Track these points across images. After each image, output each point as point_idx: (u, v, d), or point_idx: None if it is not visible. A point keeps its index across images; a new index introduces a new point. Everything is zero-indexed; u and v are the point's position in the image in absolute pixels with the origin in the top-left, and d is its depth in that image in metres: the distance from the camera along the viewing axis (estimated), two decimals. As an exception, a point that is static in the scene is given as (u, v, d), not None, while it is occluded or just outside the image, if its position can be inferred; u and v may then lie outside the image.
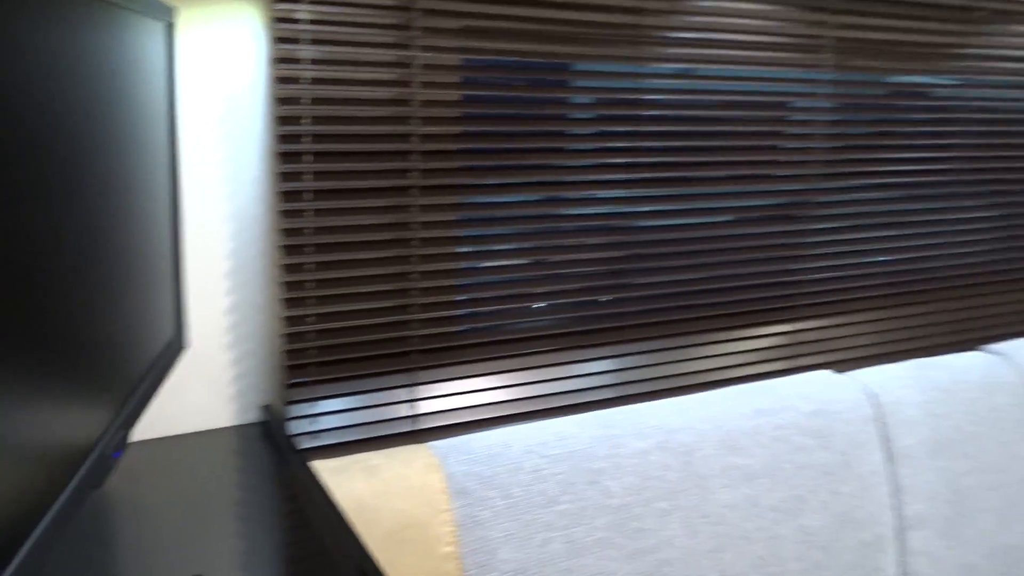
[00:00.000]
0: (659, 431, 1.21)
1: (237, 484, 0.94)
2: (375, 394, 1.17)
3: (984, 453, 1.46)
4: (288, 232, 1.08)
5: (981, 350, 1.63)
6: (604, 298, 1.32)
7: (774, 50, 1.37)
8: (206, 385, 1.10)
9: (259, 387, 1.13)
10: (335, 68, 1.07)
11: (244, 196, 1.09)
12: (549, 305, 1.28)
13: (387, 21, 1.09)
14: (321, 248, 1.10)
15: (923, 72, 1.54)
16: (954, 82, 1.59)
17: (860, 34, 1.44)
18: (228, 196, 1.08)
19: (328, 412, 1.14)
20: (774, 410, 1.30)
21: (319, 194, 1.09)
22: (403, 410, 1.19)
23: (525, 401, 1.28)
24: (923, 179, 1.59)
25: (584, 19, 1.21)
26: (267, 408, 1.13)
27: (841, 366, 1.56)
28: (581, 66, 1.23)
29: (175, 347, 0.93)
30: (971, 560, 1.43)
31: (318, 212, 1.09)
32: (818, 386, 1.38)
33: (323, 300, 1.12)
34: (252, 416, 1.14)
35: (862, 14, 1.43)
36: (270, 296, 1.12)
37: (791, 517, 1.26)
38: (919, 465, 1.40)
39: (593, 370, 1.33)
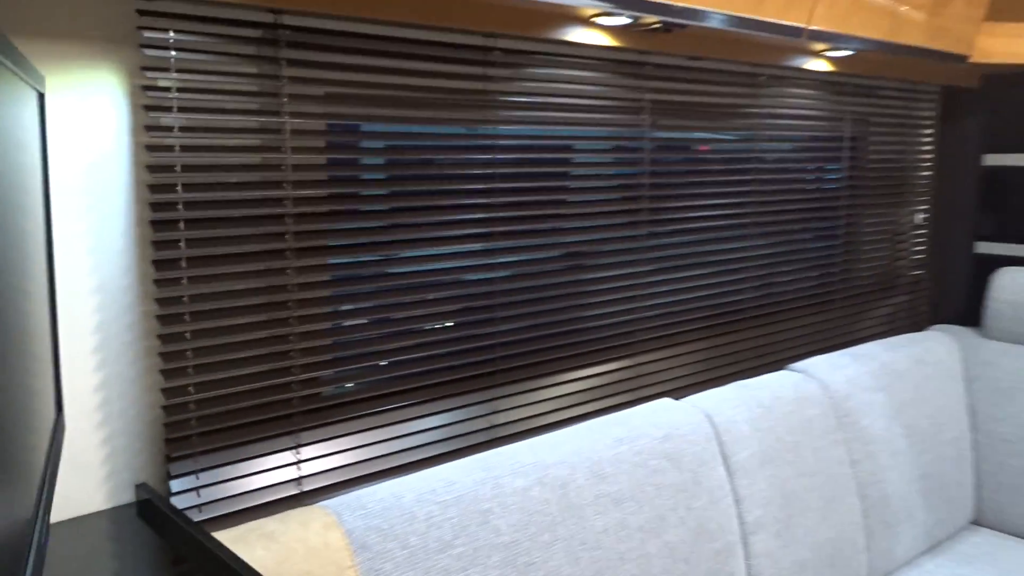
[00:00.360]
0: (536, 467, 1.28)
1: (119, 572, 0.90)
2: (260, 459, 1.15)
3: (802, 459, 1.66)
4: (163, 302, 1.06)
5: (788, 369, 1.85)
6: (460, 347, 1.39)
7: (603, 112, 1.52)
8: (75, 468, 1.04)
9: (134, 464, 1.09)
10: (205, 135, 1.07)
11: (110, 267, 1.05)
12: (412, 358, 1.32)
13: (255, 88, 1.11)
14: (198, 315, 1.09)
15: (720, 129, 1.75)
16: (745, 136, 1.82)
17: (670, 97, 1.62)
18: (92, 268, 1.04)
19: (214, 483, 1.11)
20: (632, 438, 1.42)
21: (193, 261, 1.08)
22: (290, 472, 1.18)
23: (405, 452, 1.31)
24: (727, 222, 1.80)
25: (437, 86, 1.28)
26: (144, 486, 1.08)
27: (676, 393, 1.72)
28: (431, 128, 1.30)
29: (60, 429, 0.89)
30: (802, 555, 1.61)
31: (192, 279, 1.08)
32: (664, 413, 1.51)
33: (202, 368, 1.10)
34: (128, 496, 1.08)
35: (671, 80, 1.62)
36: (142, 369, 1.09)
37: (656, 535, 1.37)
38: (753, 475, 1.56)
39: (466, 416, 1.39)
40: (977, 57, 2.01)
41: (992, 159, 2.31)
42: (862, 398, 1.85)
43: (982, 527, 2.14)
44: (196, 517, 1.09)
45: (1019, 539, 2.06)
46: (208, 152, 1.07)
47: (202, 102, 1.06)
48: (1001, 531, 2.11)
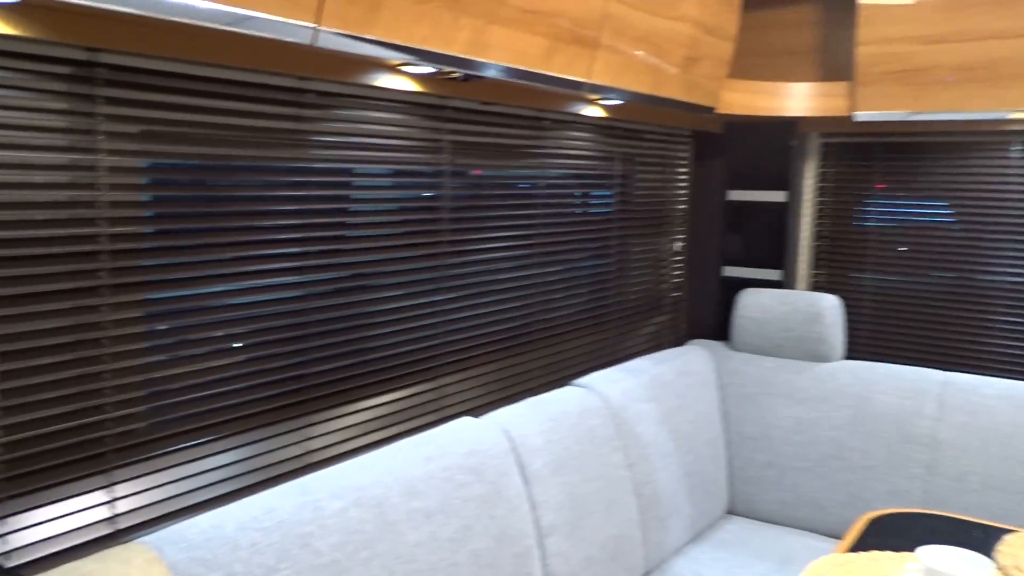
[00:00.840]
0: (352, 489, 1.35)
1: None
2: (73, 499, 1.13)
3: (587, 466, 1.84)
4: (-33, 343, 1.02)
5: (572, 384, 2.04)
6: (275, 377, 1.43)
7: (408, 151, 1.62)
8: None
9: (-69, 516, 1.03)
10: (11, 172, 1.05)
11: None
12: (227, 390, 1.35)
13: (66, 125, 1.10)
14: (4, 356, 1.06)
15: (510, 167, 1.92)
16: (533, 173, 2.00)
17: (467, 138, 1.76)
18: None
19: (23, 527, 1.08)
20: (439, 455, 1.52)
21: None
22: (103, 512, 1.16)
23: (223, 483, 1.33)
24: (517, 252, 1.97)
25: (251, 125, 1.33)
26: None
27: (475, 411, 1.84)
28: (247, 164, 1.34)
29: None
30: (590, 553, 1.78)
31: (-1, 319, 1.05)
32: (466, 430, 1.63)
33: (9, 411, 1.06)
34: (-75, 549, 1.03)
35: (468, 122, 1.76)
36: (-60, 414, 1.04)
37: (463, 544, 1.48)
38: (546, 483, 1.72)
39: (282, 443, 1.43)
40: (721, 109, 2.34)
41: (734, 194, 2.67)
42: (636, 408, 2.08)
43: (735, 515, 2.45)
44: (6, 563, 1.05)
45: (766, 523, 2.39)
46: (16, 189, 1.05)
47: (8, 138, 1.04)
48: (751, 518, 2.43)
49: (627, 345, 2.47)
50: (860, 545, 1.62)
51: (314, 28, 1.13)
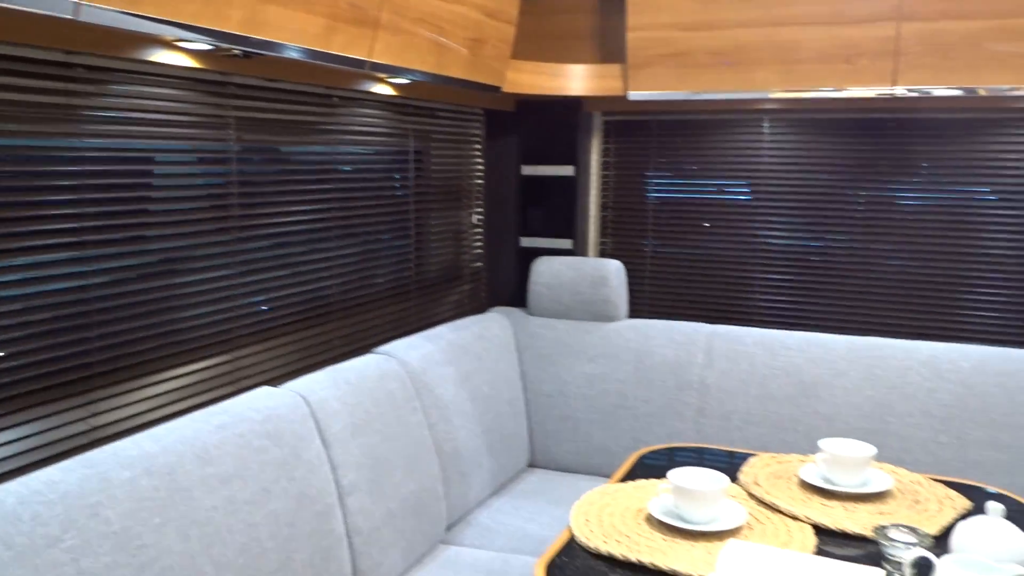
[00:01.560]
0: (141, 459, 1.37)
1: None
2: None
3: (388, 427, 1.94)
4: None
5: (373, 352, 2.13)
6: (54, 354, 1.43)
7: (189, 127, 1.63)
8: None
9: None
10: None
11: None
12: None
13: None
14: None
15: (302, 143, 1.96)
16: (325, 149, 2.05)
17: (254, 114, 1.79)
18: None
19: None
20: (234, 423, 1.56)
21: None
22: None
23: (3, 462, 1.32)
24: (313, 225, 2.02)
25: (16, 99, 1.31)
26: None
27: (275, 381, 1.89)
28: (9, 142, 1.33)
29: None
30: (391, 507, 1.88)
31: None
32: (263, 399, 1.68)
33: None
34: None
35: (253, 99, 1.79)
36: None
37: (261, 506, 1.54)
38: (346, 445, 1.80)
39: (64, 420, 1.43)
40: (508, 88, 2.48)
41: (528, 169, 2.84)
42: (435, 371, 2.19)
43: (536, 467, 2.64)
44: None
45: (564, 472, 2.59)
46: None
47: None
48: (550, 469, 2.62)
49: (430, 314, 2.58)
50: (629, 477, 1.82)
51: (75, 1, 1.15)
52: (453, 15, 2.04)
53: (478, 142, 2.79)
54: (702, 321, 2.64)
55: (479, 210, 2.85)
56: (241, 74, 1.71)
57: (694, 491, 1.47)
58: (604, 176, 2.82)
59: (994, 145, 2.38)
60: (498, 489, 2.43)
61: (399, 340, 2.22)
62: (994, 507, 1.35)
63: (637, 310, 2.79)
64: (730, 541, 1.42)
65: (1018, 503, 1.68)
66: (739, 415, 2.40)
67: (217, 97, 1.69)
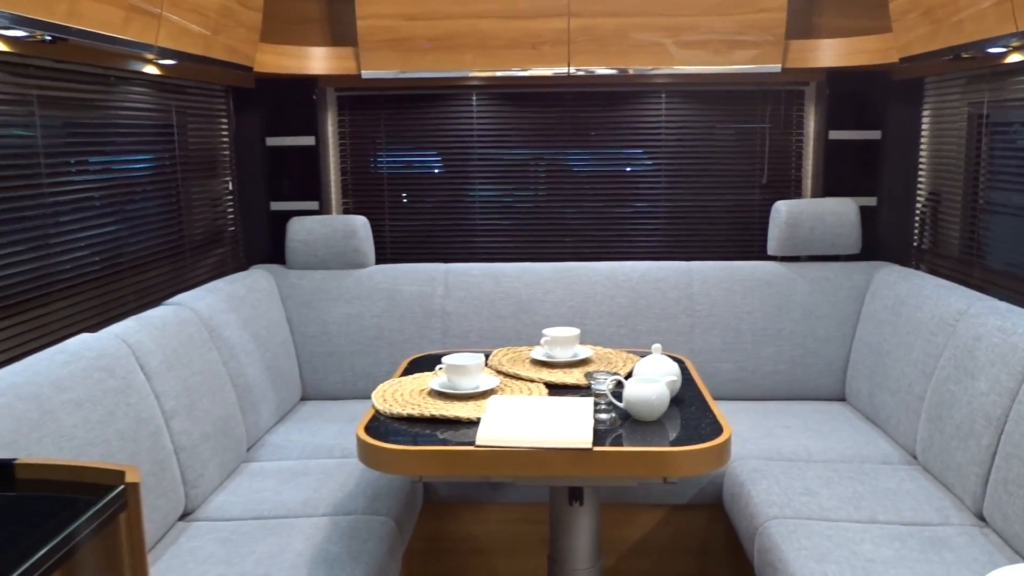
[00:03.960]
0: (11, 387, 1.61)
1: None
2: None
3: (193, 363, 2.24)
4: None
5: (164, 304, 2.40)
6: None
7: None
8: None
9: None
10: None
11: None
12: None
13: None
14: None
15: (89, 119, 2.18)
16: (103, 123, 2.27)
17: (52, 92, 2.00)
18: None
19: None
20: (75, 360, 1.81)
21: None
22: None
23: None
24: (99, 193, 2.25)
25: None
26: None
27: (90, 329, 2.12)
28: None
29: None
30: (206, 429, 2.21)
31: None
32: (91, 341, 1.93)
33: None
34: None
35: (53, 79, 1.99)
36: None
37: (109, 425, 1.82)
38: (164, 377, 2.09)
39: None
40: (259, 68, 2.82)
41: (272, 140, 3.18)
42: (220, 317, 2.51)
43: (308, 400, 3.03)
44: None
45: (335, 400, 3.00)
46: None
47: None
48: (322, 399, 3.02)
49: (199, 272, 2.86)
50: (404, 374, 2.31)
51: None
52: (215, 4, 2.35)
53: (224, 117, 3.07)
54: (438, 262, 3.18)
55: (230, 179, 3.14)
56: (41, 56, 1.92)
57: (463, 366, 2.01)
58: (341, 144, 3.25)
59: (642, 111, 3.17)
60: (282, 417, 2.80)
61: (185, 293, 2.50)
62: (656, 347, 2.05)
63: (382, 257, 3.26)
64: (492, 397, 1.98)
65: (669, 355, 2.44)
66: (475, 332, 2.98)
67: (19, 77, 1.89)
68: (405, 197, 3.28)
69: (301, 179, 3.21)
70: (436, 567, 2.57)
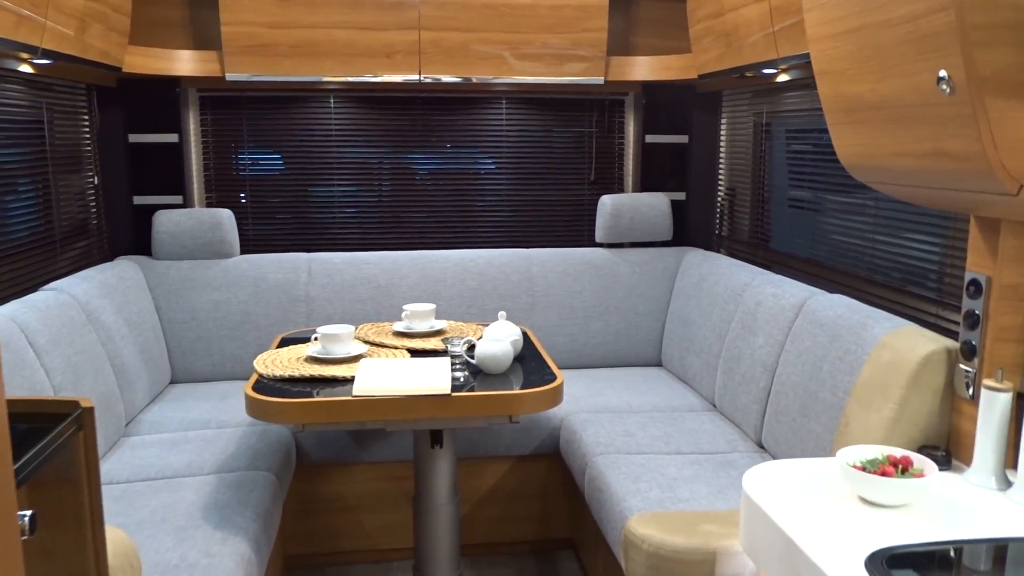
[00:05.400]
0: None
1: None
2: None
3: (75, 343, 2.40)
4: None
5: (42, 290, 2.53)
6: None
7: None
8: None
9: None
10: None
11: None
12: None
13: None
14: None
15: (-36, 113, 2.30)
16: (-19, 119, 2.39)
17: (-68, 87, 2.12)
18: None
19: None
20: (-26, 335, 1.97)
21: None
22: None
23: None
24: (-20, 184, 2.36)
25: None
26: None
27: (-29, 315, 2.25)
28: None
29: None
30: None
31: None
32: (-18, 320, 2.08)
33: None
34: None
35: (-69, 74, 2.12)
36: None
37: (25, 390, 1.98)
38: (51, 354, 2.25)
39: None
40: (126, 68, 2.98)
41: (135, 137, 3.32)
42: (96, 303, 2.67)
43: (178, 383, 3.19)
44: None
45: (206, 382, 3.18)
46: None
47: None
48: (193, 382, 3.19)
49: (65, 263, 2.97)
50: (280, 347, 2.57)
51: None
52: (89, 9, 2.52)
53: (87, 114, 3.19)
54: (299, 251, 3.43)
55: (92, 173, 3.25)
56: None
57: (336, 334, 2.30)
58: (204, 141, 3.44)
59: (485, 115, 3.56)
60: (154, 398, 2.97)
61: (60, 280, 2.64)
62: (501, 315, 2.43)
63: (246, 248, 3.47)
64: (363, 360, 2.28)
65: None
66: (338, 315, 3.25)
67: (-92, 73, 2.02)
68: (244, 197, 3.50)
69: (165, 175, 3.36)
70: (310, 525, 2.83)
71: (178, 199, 3.39)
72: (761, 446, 2.51)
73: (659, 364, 3.41)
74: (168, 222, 3.22)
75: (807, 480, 1.68)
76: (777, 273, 2.83)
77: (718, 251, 3.47)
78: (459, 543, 2.42)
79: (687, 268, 3.31)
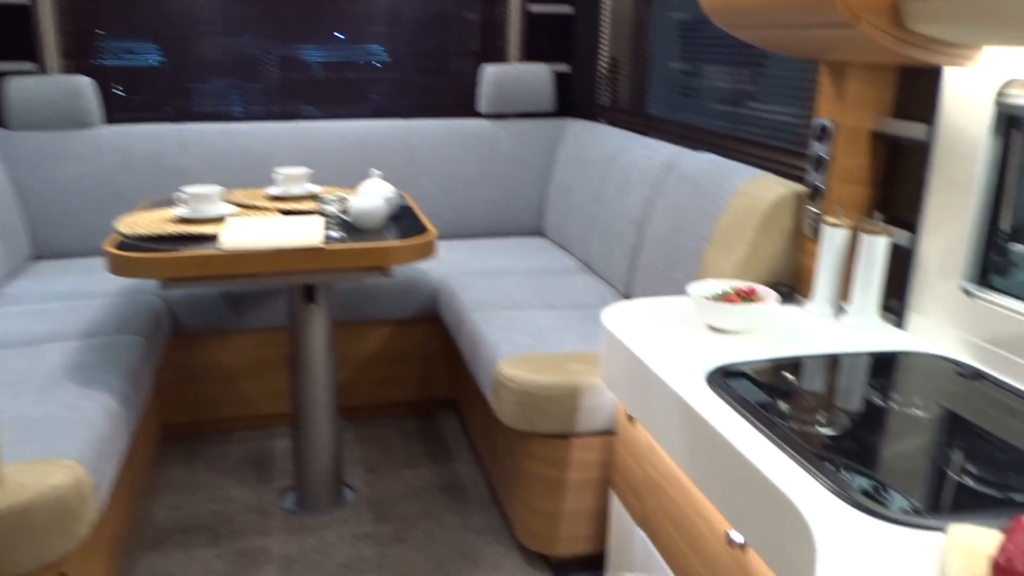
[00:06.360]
0: None
1: None
2: None
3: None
4: None
5: None
6: None
7: None
8: None
9: None
10: None
11: None
12: None
13: None
14: None
15: None
16: None
17: None
18: None
19: None
20: None
21: None
22: None
23: None
24: None
25: None
26: None
27: None
28: None
29: None
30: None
31: None
32: None
33: None
34: None
35: None
36: None
37: None
38: None
39: None
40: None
41: (-22, -4, 3.05)
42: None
43: (42, 259, 3.06)
44: None
45: (73, 258, 3.05)
46: None
47: None
48: (56, 258, 3.07)
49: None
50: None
51: None
52: None
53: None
54: (167, 123, 3.28)
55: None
56: None
57: (204, 194, 2.24)
58: (62, 4, 3.19)
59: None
60: (12, 273, 2.84)
61: None
62: (374, 172, 2.41)
63: (111, 118, 3.29)
64: (228, 219, 2.23)
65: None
66: (223, 185, 3.15)
67: None
68: (118, 89, 3.31)
69: (14, 39, 3.13)
70: (188, 394, 2.81)
71: (29, 65, 3.16)
72: (628, 297, 2.62)
73: (541, 234, 3.47)
74: (21, 88, 3.01)
75: (661, 315, 1.76)
76: (653, 138, 2.88)
77: (599, 121, 3.51)
78: (337, 403, 2.45)
79: (568, 138, 3.33)
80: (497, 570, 2.18)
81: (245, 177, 3.17)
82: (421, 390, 3.00)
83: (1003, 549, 0.79)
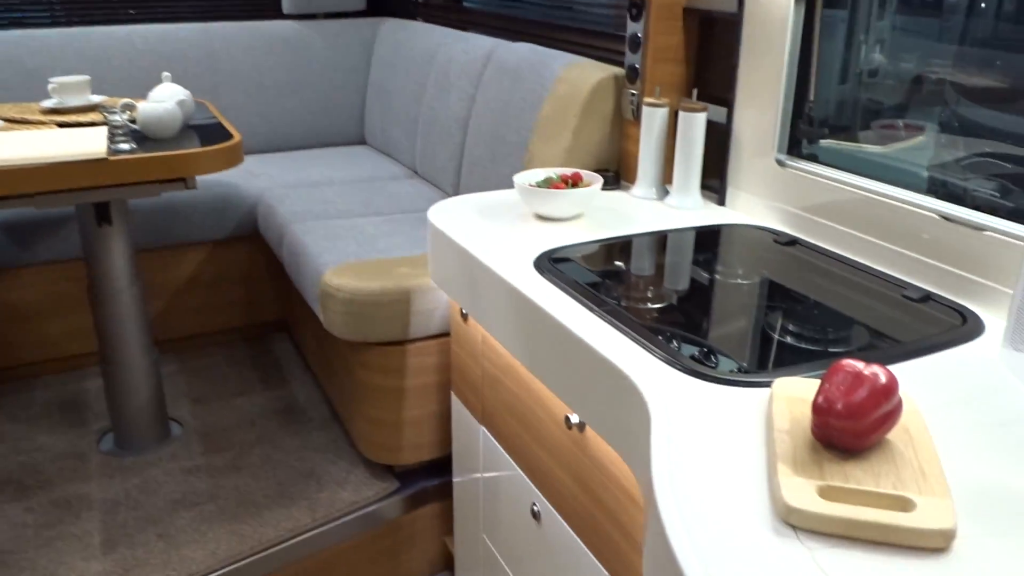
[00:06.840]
0: None
1: None
2: None
3: None
4: None
5: None
6: None
7: None
8: None
9: None
10: None
11: None
12: None
13: None
14: None
15: None
16: None
17: None
18: None
19: None
20: None
21: None
22: None
23: None
24: None
25: None
26: None
27: None
28: None
29: None
30: None
31: None
32: None
33: None
34: None
35: None
36: None
37: None
38: None
39: None
40: None
41: None
42: None
43: None
44: None
45: None
46: None
47: None
48: None
49: None
50: None
51: None
52: None
53: None
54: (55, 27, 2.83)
55: None
56: None
57: (-43, 106, 1.93)
58: None
59: None
60: None
61: None
62: (165, 75, 2.17)
63: None
64: (-3, 135, 1.95)
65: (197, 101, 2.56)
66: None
67: None
68: None
69: None
70: (-23, 341, 2.51)
71: None
72: (459, 201, 2.54)
73: (363, 142, 3.31)
74: None
75: (489, 208, 1.70)
76: (472, 32, 2.77)
77: (415, 19, 3.34)
78: (153, 335, 2.25)
79: (384, 38, 3.15)
80: (341, 486, 2.11)
81: (12, 94, 2.79)
82: (248, 314, 2.82)
83: (821, 390, 0.80)
